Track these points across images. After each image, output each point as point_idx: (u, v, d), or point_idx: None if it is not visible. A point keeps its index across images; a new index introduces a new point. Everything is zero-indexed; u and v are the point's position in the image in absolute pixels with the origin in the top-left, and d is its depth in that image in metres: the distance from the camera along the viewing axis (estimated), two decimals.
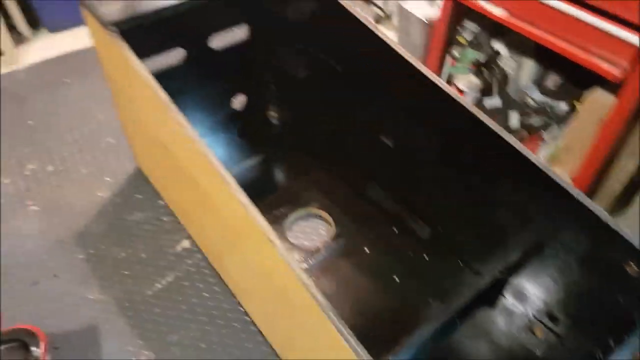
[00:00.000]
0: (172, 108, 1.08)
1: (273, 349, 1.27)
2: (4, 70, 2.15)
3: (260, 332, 1.31)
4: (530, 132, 1.67)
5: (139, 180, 1.68)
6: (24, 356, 1.17)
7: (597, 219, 0.97)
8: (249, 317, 1.34)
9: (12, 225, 1.56)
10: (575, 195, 0.99)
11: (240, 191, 0.96)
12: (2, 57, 2.15)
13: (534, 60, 1.61)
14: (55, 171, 1.73)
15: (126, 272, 1.44)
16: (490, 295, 1.35)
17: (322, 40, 1.52)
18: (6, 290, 1.40)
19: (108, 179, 1.70)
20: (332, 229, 1.51)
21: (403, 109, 1.39)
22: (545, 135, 1.63)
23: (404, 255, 1.47)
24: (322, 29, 1.49)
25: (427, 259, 1.47)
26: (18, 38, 2.21)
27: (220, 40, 1.53)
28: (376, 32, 1.26)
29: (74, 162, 1.76)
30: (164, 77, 1.43)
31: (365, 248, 1.48)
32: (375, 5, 2.45)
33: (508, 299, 1.31)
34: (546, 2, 1.43)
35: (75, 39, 2.30)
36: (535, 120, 1.65)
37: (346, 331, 0.75)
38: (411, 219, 1.51)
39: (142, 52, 1.32)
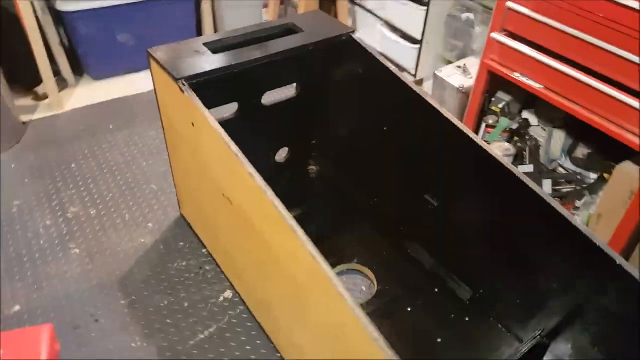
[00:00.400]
0: (242, 158, 1.13)
1: None
2: (49, 114, 2.22)
3: None
4: (562, 200, 1.73)
5: (183, 229, 1.70)
6: None
7: (634, 280, 1.01)
8: None
9: (54, 268, 1.56)
10: (613, 257, 1.04)
11: (309, 242, 0.99)
12: (47, 101, 2.23)
13: (564, 131, 1.71)
14: (98, 215, 1.75)
15: (168, 321, 1.43)
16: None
17: (366, 99, 1.61)
18: None
19: (151, 225, 1.72)
20: (374, 286, 1.53)
21: (449, 170, 1.46)
22: (578, 203, 1.69)
23: (446, 317, 1.48)
24: (367, 89, 1.59)
25: (468, 319, 1.48)
26: (62, 84, 2.30)
27: (270, 97, 1.61)
28: (419, 93, 1.34)
29: (117, 208, 1.78)
30: (222, 125, 1.51)
31: (408, 307, 1.49)
32: (407, 71, 2.59)
33: None
34: (577, 76, 1.54)
35: (118, 88, 2.40)
36: (567, 189, 1.72)
37: None
38: (452, 280, 1.53)
39: (205, 104, 1.40)
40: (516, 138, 1.83)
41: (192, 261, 1.60)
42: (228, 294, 1.52)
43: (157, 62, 1.33)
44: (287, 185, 1.83)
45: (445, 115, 1.30)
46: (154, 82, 1.42)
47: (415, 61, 2.44)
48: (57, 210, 1.76)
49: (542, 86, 1.59)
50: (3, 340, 0.95)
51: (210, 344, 1.38)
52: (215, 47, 1.41)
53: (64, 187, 1.85)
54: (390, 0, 2.51)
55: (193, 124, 1.28)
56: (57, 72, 2.30)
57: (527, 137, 1.80)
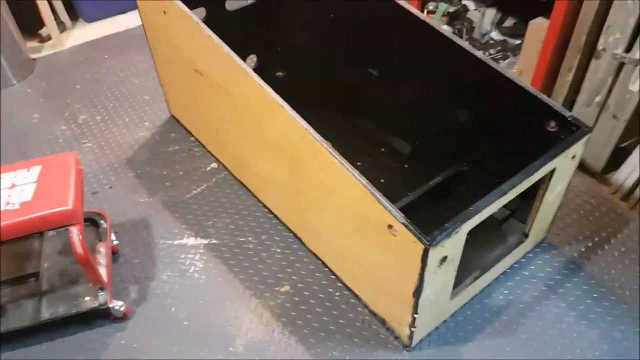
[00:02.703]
0: (205, 28, 1.46)
1: (292, 232, 1.61)
2: (52, 52, 2.56)
3: (278, 218, 1.65)
4: None
5: (173, 124, 2.05)
6: (96, 230, 1.51)
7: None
8: (268, 209, 1.68)
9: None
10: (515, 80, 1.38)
11: (268, 87, 1.33)
12: (50, 42, 2.58)
13: (494, 8, 2.02)
14: (103, 119, 2.10)
15: (168, 184, 1.80)
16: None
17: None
18: None
19: (147, 124, 2.07)
20: None
21: (389, 44, 1.77)
22: (504, 64, 2.03)
23: (388, 166, 1.82)
24: None
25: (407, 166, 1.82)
26: (61, 27, 2.63)
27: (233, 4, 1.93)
28: None
29: (117, 113, 2.13)
30: None
31: (357, 162, 1.84)
32: None
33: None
34: None
35: (109, 27, 2.73)
36: (496, 55, 2.04)
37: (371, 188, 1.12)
38: (394, 139, 1.87)
39: None
40: (455, 21, 2.15)
41: (183, 145, 1.96)
42: (214, 164, 1.87)
43: None
44: None
45: None
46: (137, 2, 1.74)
47: None
48: (69, 118, 2.11)
49: None
50: (39, 162, 1.30)
51: (202, 197, 1.75)
52: None
53: (73, 102, 2.20)
54: None
55: (165, 12, 1.59)
56: (55, 17, 2.63)
57: (464, 19, 2.11)
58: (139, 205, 1.72)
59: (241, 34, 2.04)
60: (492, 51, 2.02)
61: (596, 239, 1.55)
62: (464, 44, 1.48)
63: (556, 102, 1.42)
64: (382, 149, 1.89)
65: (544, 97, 1.35)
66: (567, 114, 1.31)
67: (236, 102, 1.50)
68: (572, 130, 1.30)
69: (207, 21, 1.85)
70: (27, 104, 2.21)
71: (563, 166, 1.30)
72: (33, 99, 2.23)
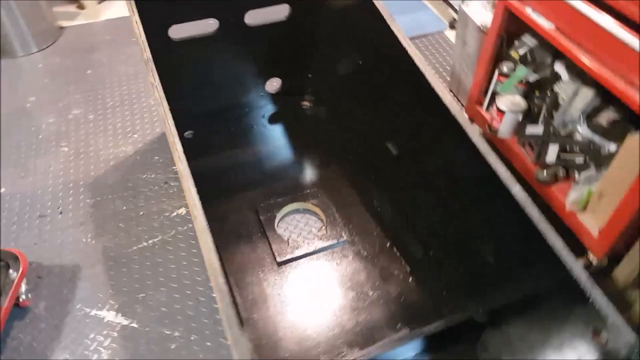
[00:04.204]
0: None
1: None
2: (85, 22, 2.34)
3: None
4: (567, 169, 1.46)
5: (162, 144, 1.74)
6: (1, 277, 1.26)
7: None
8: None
9: (42, 161, 1.69)
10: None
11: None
12: (86, 10, 2.36)
13: (592, 90, 1.40)
14: (94, 120, 1.84)
15: (121, 225, 1.50)
16: None
17: (359, 42, 1.46)
18: (16, 215, 1.52)
19: (136, 136, 1.78)
20: (325, 230, 1.45)
21: (415, 123, 1.30)
22: (580, 176, 1.42)
23: (392, 270, 1.37)
24: (360, 30, 1.44)
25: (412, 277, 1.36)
26: None
27: (255, 17, 1.52)
28: (408, 49, 1.18)
29: (113, 115, 1.86)
30: (198, 43, 1.46)
31: (351, 255, 1.41)
32: (452, 7, 2.29)
33: None
34: (589, 14, 1.22)
35: None
36: (576, 158, 1.45)
37: None
38: (408, 235, 1.40)
39: (177, 17, 1.36)
40: (537, 92, 1.56)
41: (161, 175, 1.64)
42: (182, 210, 1.54)
43: None
44: (277, 117, 1.77)
45: (425, 74, 1.13)
46: None
47: None
48: (62, 110, 1.88)
49: (552, 26, 1.31)
50: None
51: (150, 253, 1.44)
52: None
53: (75, 90, 1.97)
54: None
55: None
56: None
57: (548, 93, 1.51)
58: (78, 247, 1.45)
59: (262, 54, 1.65)
60: (567, 156, 1.44)
61: None
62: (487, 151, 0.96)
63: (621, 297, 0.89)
64: (391, 245, 1.43)
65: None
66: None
67: None
68: None
69: (219, 35, 1.49)
70: (31, 81, 2.02)
71: None
72: (38, 77, 2.04)
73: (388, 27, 1.19)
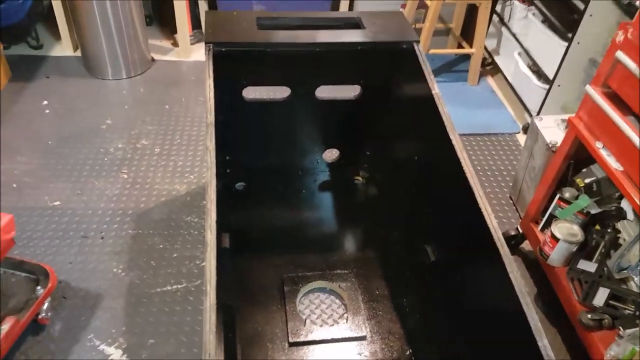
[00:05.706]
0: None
1: None
2: (175, 59, 2.52)
3: None
4: (614, 318, 1.31)
5: None
6: (29, 291, 1.31)
7: None
8: None
9: (101, 183, 1.78)
10: None
11: None
12: (178, 49, 2.55)
13: None
14: (159, 154, 1.93)
15: (152, 263, 1.53)
16: None
17: (415, 123, 1.46)
18: (61, 231, 1.60)
19: (192, 177, 1.84)
20: (346, 317, 1.39)
21: (451, 228, 1.25)
22: (624, 332, 1.25)
23: None
24: (416, 112, 1.44)
25: None
26: (199, 37, 2.58)
27: (327, 92, 1.55)
28: (453, 141, 1.15)
29: (177, 153, 1.94)
30: (268, 105, 1.52)
31: (367, 353, 1.33)
32: (528, 112, 2.21)
33: None
34: None
35: None
36: (626, 310, 1.29)
37: None
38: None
39: (245, 77, 1.41)
40: (597, 227, 1.44)
41: (203, 221, 1.67)
42: None
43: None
44: (327, 185, 1.77)
45: (467, 173, 1.09)
46: None
47: (540, 102, 2.09)
48: (132, 138, 2.00)
49: (621, 168, 1.22)
50: None
51: (171, 299, 1.44)
52: (264, 24, 1.41)
53: (149, 122, 2.09)
54: (536, 26, 2.17)
55: None
56: (198, 25, 2.59)
57: (609, 230, 1.40)
58: (107, 277, 1.48)
59: (327, 125, 1.68)
60: (617, 304, 1.31)
61: None
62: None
63: None
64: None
65: None
66: None
67: None
68: None
69: (288, 102, 1.54)
70: (113, 105, 2.17)
71: None
72: (121, 102, 2.19)
73: (447, 136, 1.16)
